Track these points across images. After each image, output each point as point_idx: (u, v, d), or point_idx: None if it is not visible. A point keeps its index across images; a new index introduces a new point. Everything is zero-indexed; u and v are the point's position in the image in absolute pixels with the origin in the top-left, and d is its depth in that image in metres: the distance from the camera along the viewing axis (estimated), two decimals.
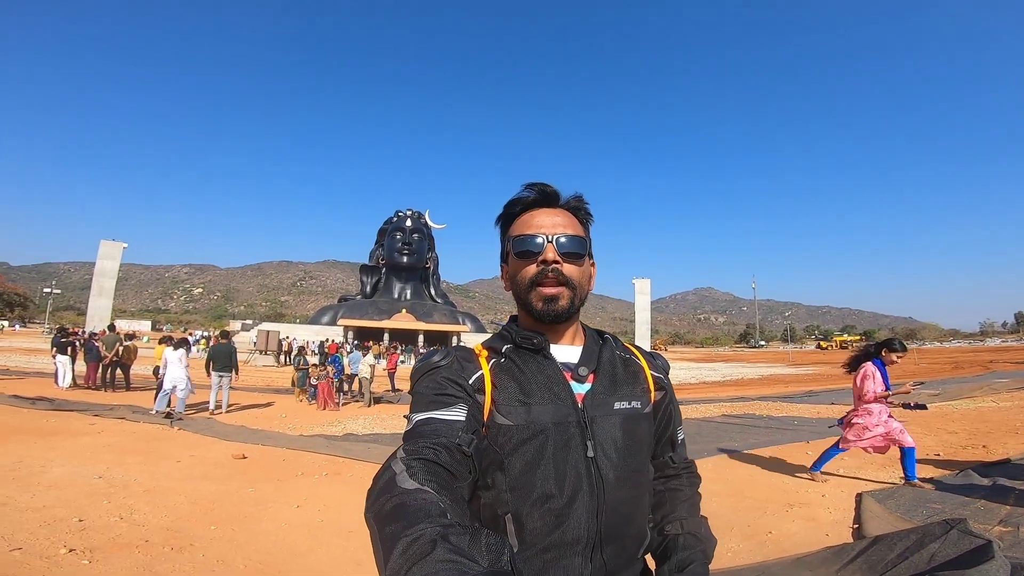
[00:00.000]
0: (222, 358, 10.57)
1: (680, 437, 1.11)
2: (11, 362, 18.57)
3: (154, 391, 10.31)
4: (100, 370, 13.21)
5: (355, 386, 13.43)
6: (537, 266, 0.98)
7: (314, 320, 52.33)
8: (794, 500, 5.01)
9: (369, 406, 12.45)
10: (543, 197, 1.04)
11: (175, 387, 9.60)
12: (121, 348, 13.34)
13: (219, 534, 3.70)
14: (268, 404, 12.38)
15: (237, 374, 11.04)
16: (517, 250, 1.01)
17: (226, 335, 12.28)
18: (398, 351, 20.44)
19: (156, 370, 10.75)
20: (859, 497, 5.01)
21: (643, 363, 1.08)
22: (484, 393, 0.94)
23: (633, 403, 0.99)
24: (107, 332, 13.98)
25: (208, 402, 10.40)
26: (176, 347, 9.93)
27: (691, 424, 10.26)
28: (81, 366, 13.59)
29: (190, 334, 51.22)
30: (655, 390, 1.06)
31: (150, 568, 3.02)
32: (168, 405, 9.48)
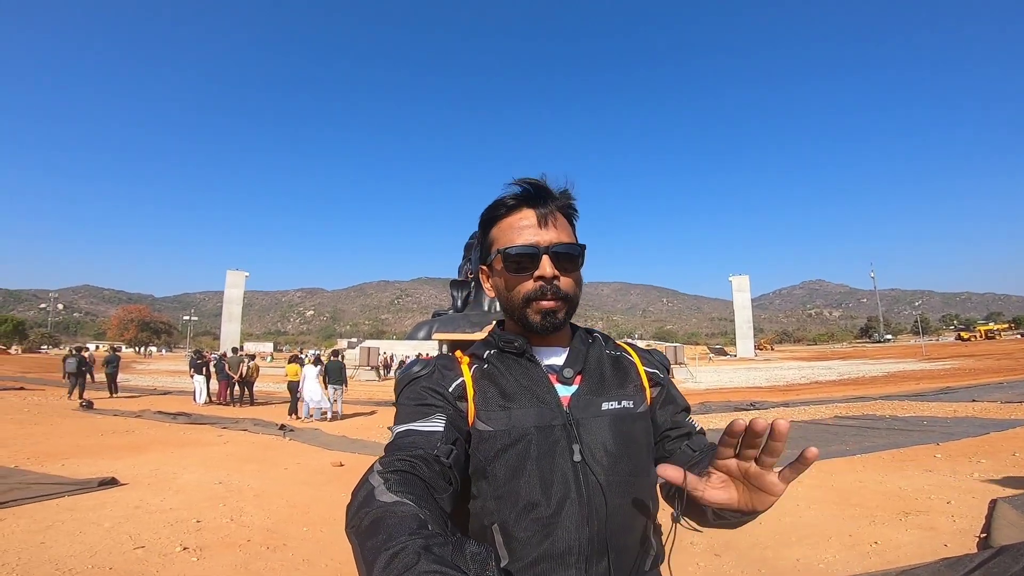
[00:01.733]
0: (335, 373, 12.25)
1: (695, 427, 1.03)
2: (158, 382, 21.33)
3: (284, 404, 12.63)
4: (229, 388, 14.83)
5: None
6: (534, 281, 0.93)
7: (411, 336, 54.84)
8: (911, 508, 4.52)
9: None
10: (530, 196, 0.97)
11: (312, 397, 11.71)
12: (245, 368, 14.87)
13: (310, 535, 4.02)
14: (372, 412, 13.61)
15: (347, 387, 12.73)
16: (509, 263, 0.94)
17: (336, 353, 13.64)
18: None
19: (292, 384, 12.64)
20: (993, 503, 4.42)
21: (636, 360, 1.03)
22: (466, 400, 0.91)
23: (624, 403, 0.94)
24: (230, 354, 15.61)
25: (325, 412, 12.04)
26: (315, 364, 12.18)
27: (795, 428, 9.50)
28: (214, 384, 15.30)
29: (298, 354, 55.78)
30: (650, 387, 1.01)
31: (246, 565, 3.36)
32: (308, 414, 11.75)
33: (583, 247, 0.97)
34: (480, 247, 1.05)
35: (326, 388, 12.24)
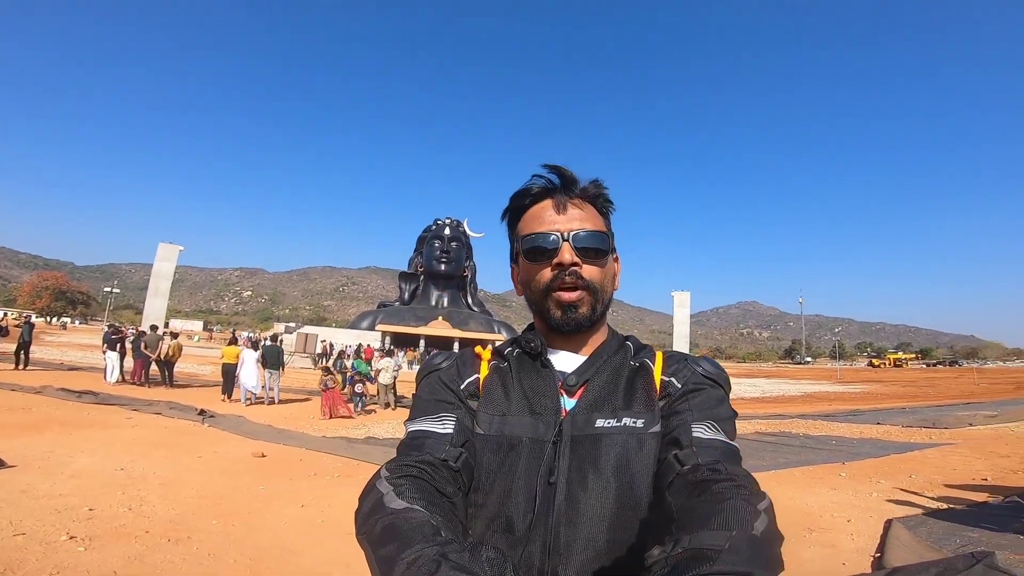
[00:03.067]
0: (272, 357, 12.31)
1: (694, 433, 0.78)
2: (68, 357, 19.71)
3: (206, 388, 12.77)
4: (145, 367, 13.88)
5: (371, 389, 13.62)
6: (552, 269, 0.85)
7: (354, 325, 53.54)
8: (815, 525, 4.75)
9: (392, 409, 12.65)
10: (556, 184, 0.90)
11: (248, 382, 11.95)
12: (165, 347, 13.96)
13: (218, 528, 3.77)
14: (305, 400, 13.55)
15: (283, 371, 12.98)
16: (527, 251, 0.88)
17: (275, 337, 13.73)
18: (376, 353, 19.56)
19: (228, 367, 12.65)
20: (888, 524, 4.72)
21: (656, 368, 0.88)
22: (478, 399, 0.87)
23: (627, 421, 0.81)
24: (149, 331, 14.65)
25: (262, 397, 12.34)
26: (254, 348, 12.42)
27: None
28: (130, 362, 14.27)
29: (237, 335, 53.28)
30: (660, 399, 0.85)
31: (142, 558, 3.11)
32: (246, 399, 11.94)
33: (610, 234, 0.90)
34: (509, 241, 0.96)
35: (261, 371, 12.31)
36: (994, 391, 25.26)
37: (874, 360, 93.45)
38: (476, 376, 0.90)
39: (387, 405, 13.00)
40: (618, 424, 0.81)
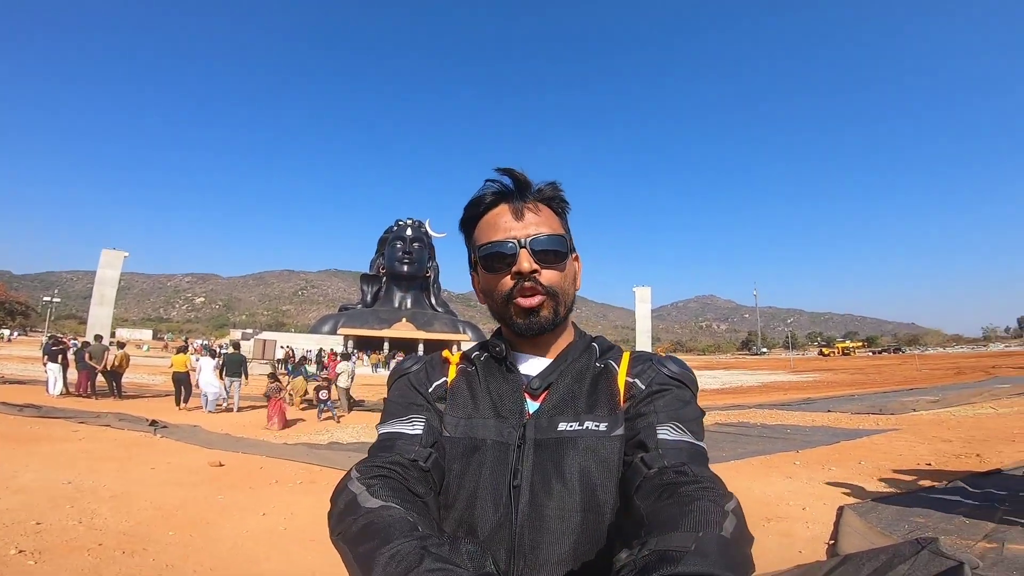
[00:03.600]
0: (234, 365, 12.28)
1: (658, 434, 0.77)
2: (7, 370, 18.57)
3: (157, 399, 12.49)
4: (91, 379, 13.22)
5: (333, 394, 13.37)
6: (512, 277, 0.84)
7: (315, 329, 52.32)
8: (772, 514, 4.86)
9: (348, 412, 12.51)
10: (510, 189, 0.88)
11: (210, 389, 11.81)
12: (111, 357, 13.33)
13: (176, 539, 3.67)
14: (264, 406, 12.67)
15: (247, 379, 12.86)
16: (485, 259, 0.86)
17: (237, 345, 14.06)
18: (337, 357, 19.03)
19: (179, 376, 12.47)
20: (840, 511, 4.86)
21: (621, 370, 0.87)
22: (445, 402, 0.88)
23: (589, 424, 0.81)
24: (93, 342, 13.97)
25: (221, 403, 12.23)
26: (212, 356, 12.54)
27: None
28: (73, 374, 13.57)
29: (190, 343, 51.58)
30: (625, 399, 0.84)
31: (96, 570, 3.00)
32: (209, 407, 11.76)
33: (566, 238, 0.89)
34: (467, 250, 0.95)
35: (222, 379, 12.21)
36: (935, 377, 26.60)
37: (824, 349, 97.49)
38: (444, 379, 0.90)
39: (349, 409, 12.79)
40: (580, 428, 0.81)
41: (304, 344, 41.54)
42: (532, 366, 0.89)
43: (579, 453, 0.79)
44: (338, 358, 17.54)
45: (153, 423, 8.90)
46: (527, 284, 0.83)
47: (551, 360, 0.89)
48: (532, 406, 0.85)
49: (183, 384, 12.44)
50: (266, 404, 13.37)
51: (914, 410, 13.00)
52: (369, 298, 54.22)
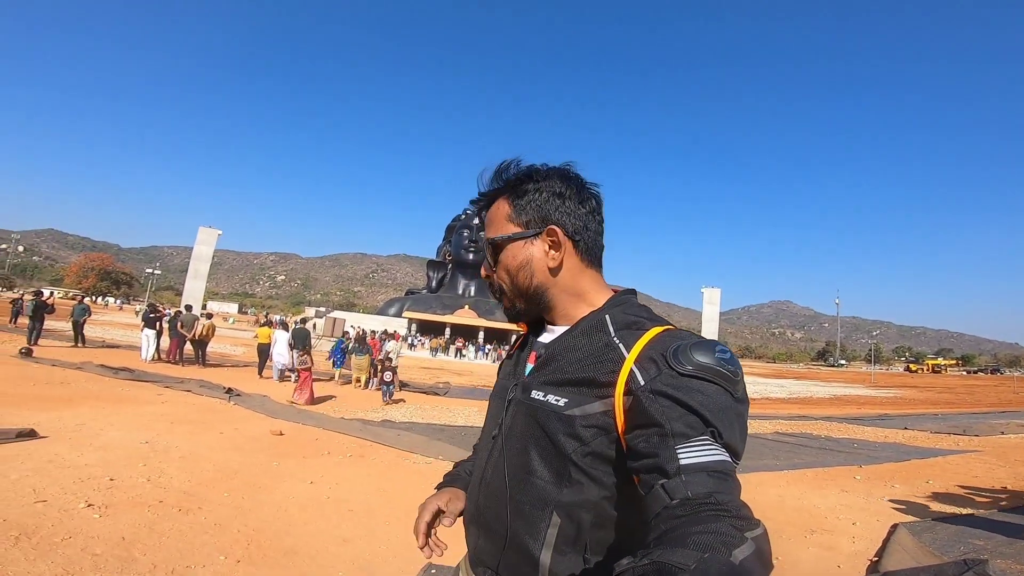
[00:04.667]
0: (301, 339, 13.09)
1: (680, 461, 0.68)
2: (109, 335, 20.63)
3: (237, 368, 14.22)
4: (180, 346, 14.45)
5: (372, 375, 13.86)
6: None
7: (381, 311, 54.41)
8: (818, 526, 4.70)
9: (399, 389, 12.81)
10: (478, 198, 1.00)
11: (280, 360, 12.98)
12: (200, 327, 14.49)
13: (228, 500, 3.98)
14: (329, 379, 14.27)
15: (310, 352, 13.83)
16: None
17: (304, 321, 15.02)
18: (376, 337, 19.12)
19: (262, 347, 14.02)
20: (894, 528, 4.64)
21: (630, 356, 0.79)
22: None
23: (551, 397, 0.83)
24: (185, 312, 15.22)
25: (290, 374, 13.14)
26: (284, 329, 13.65)
27: None
28: (165, 341, 14.87)
29: (269, 318, 54.93)
30: (623, 393, 0.77)
31: (151, 526, 3.31)
32: (278, 377, 12.97)
33: (494, 240, 0.92)
34: None
35: (290, 351, 13.11)
36: None
37: (911, 365, 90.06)
38: (510, 351, 1.06)
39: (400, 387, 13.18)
40: (542, 398, 0.84)
41: (371, 325, 43.37)
42: (552, 334, 0.94)
43: (532, 422, 0.85)
44: (378, 338, 18.30)
45: (228, 391, 9.62)
46: (494, 288, 0.97)
47: (564, 329, 0.92)
48: (529, 370, 0.92)
49: (264, 355, 13.94)
50: (333, 378, 14.26)
51: (1002, 432, 11.97)
52: (434, 284, 55.59)
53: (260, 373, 13.83)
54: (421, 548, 0.97)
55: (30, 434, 5.08)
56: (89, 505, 3.50)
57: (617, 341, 0.82)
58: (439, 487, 1.07)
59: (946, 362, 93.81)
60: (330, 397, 11.22)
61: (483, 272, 0.98)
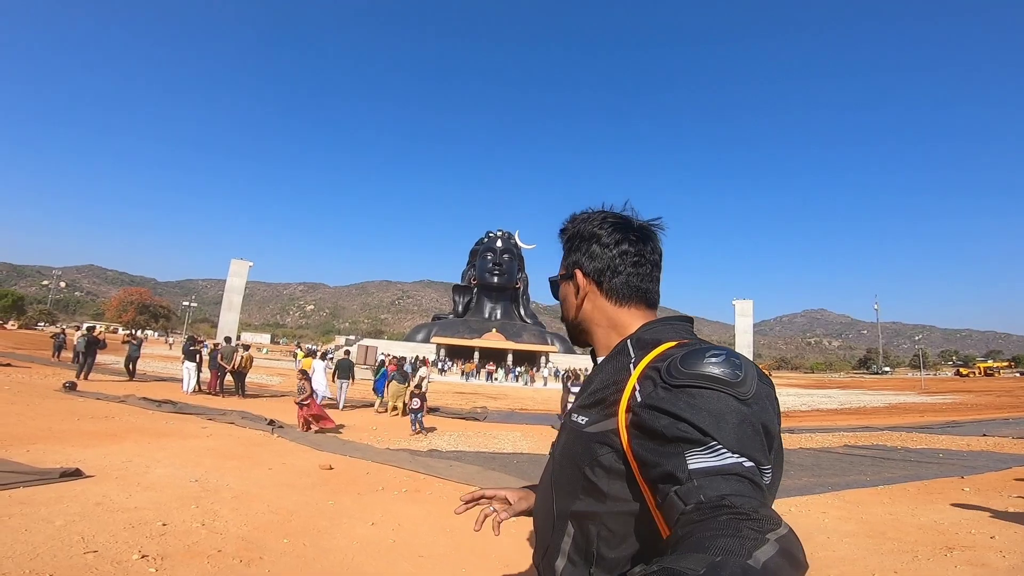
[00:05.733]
0: (344, 369, 13.96)
1: (696, 466, 0.67)
2: (150, 368, 20.85)
3: (275, 398, 14.73)
4: (220, 378, 14.42)
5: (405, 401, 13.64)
6: None
7: (409, 337, 54.58)
8: (953, 543, 4.25)
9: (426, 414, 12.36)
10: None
11: (319, 389, 12.79)
12: (238, 358, 14.46)
13: (290, 548, 3.60)
14: (369, 405, 14.50)
15: (353, 381, 14.65)
16: None
17: (347, 352, 15.92)
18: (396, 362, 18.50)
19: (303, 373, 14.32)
20: None
21: (634, 374, 0.83)
22: None
23: (578, 417, 0.90)
24: (223, 343, 15.23)
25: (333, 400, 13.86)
26: (322, 359, 14.14)
27: (806, 455, 9.27)
28: (206, 373, 14.87)
29: (301, 347, 55.97)
30: (624, 410, 0.80)
31: None
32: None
33: (554, 280, 1.10)
34: None
35: (333, 382, 13.75)
36: None
37: (962, 369, 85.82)
38: None
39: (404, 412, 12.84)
40: (575, 419, 0.90)
41: (400, 351, 43.41)
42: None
43: (568, 440, 0.91)
44: (406, 365, 18.17)
45: (271, 423, 9.39)
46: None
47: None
48: None
49: None
50: (371, 406, 13.98)
51: None
52: (460, 308, 55.59)
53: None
54: (460, 512, 1.18)
55: (75, 473, 4.78)
56: (143, 556, 3.15)
57: (631, 361, 0.86)
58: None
59: (999, 364, 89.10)
60: (341, 426, 10.50)
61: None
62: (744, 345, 62.05)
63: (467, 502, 1.15)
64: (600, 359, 0.98)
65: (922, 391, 39.93)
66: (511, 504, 1.12)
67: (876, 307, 74.33)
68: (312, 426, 9.63)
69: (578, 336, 1.05)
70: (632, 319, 0.97)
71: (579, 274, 1.01)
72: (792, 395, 33.78)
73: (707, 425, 0.69)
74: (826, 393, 37.50)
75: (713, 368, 0.73)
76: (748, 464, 0.67)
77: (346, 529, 4.13)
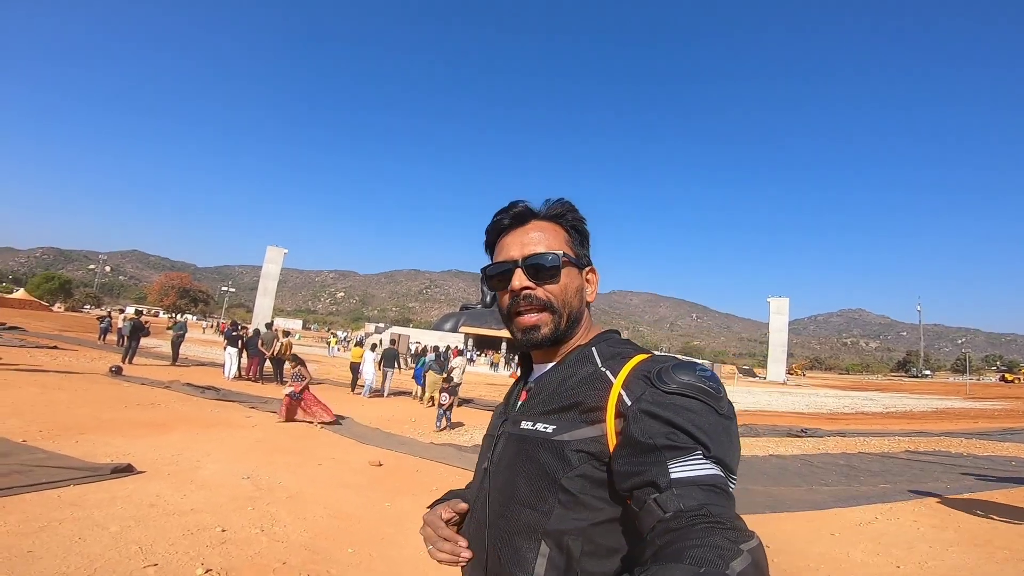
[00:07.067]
0: (390, 358, 14.45)
1: (671, 475, 0.68)
2: (191, 352, 21.21)
3: (323, 384, 15.11)
4: (259, 364, 14.47)
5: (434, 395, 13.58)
6: (510, 296, 0.93)
7: (437, 326, 54.73)
8: None
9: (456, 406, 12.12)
10: (514, 218, 0.98)
11: (367, 378, 13.90)
12: (278, 345, 14.49)
13: (356, 560, 3.34)
14: (408, 392, 15.05)
15: (399, 369, 15.27)
16: (488, 281, 0.97)
17: (393, 342, 15.78)
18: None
19: (354, 365, 15.07)
20: None
21: (617, 381, 0.81)
22: None
23: (540, 425, 0.84)
24: (263, 329, 15.29)
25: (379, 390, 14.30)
26: (371, 349, 14.44)
27: (870, 460, 8.90)
28: (245, 359, 14.92)
29: (332, 334, 56.85)
30: (614, 416, 0.78)
31: None
32: (367, 393, 13.74)
33: (560, 254, 0.93)
34: None
35: (379, 370, 14.17)
36: None
37: (1007, 375, 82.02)
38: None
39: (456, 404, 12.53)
40: (532, 427, 0.85)
41: (428, 340, 43.53)
42: (540, 371, 0.96)
43: (520, 451, 0.85)
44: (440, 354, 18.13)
45: (337, 418, 9.24)
46: (522, 301, 0.91)
47: (552, 364, 0.94)
48: (518, 405, 0.94)
49: (355, 373, 14.95)
50: (408, 393, 13.85)
51: None
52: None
53: (352, 390, 14.69)
54: (443, 557, 0.90)
55: (127, 469, 4.61)
56: (207, 571, 2.91)
57: (604, 370, 0.85)
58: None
59: None
60: (342, 417, 9.94)
61: (518, 282, 0.91)
62: (778, 343, 60.46)
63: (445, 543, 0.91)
64: (550, 364, 0.94)
65: (967, 396, 38.20)
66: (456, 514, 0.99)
67: (919, 308, 71.23)
68: (298, 413, 8.68)
69: (570, 329, 0.92)
70: (589, 323, 0.98)
71: (594, 274, 1.00)
72: (831, 396, 32.65)
73: (697, 435, 0.71)
74: (867, 396, 36.16)
75: (704, 382, 0.76)
76: (724, 475, 0.70)
77: (411, 535, 3.86)
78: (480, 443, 1.00)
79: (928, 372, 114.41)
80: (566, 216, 0.97)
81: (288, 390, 9.06)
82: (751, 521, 4.95)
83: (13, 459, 4.39)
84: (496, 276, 0.94)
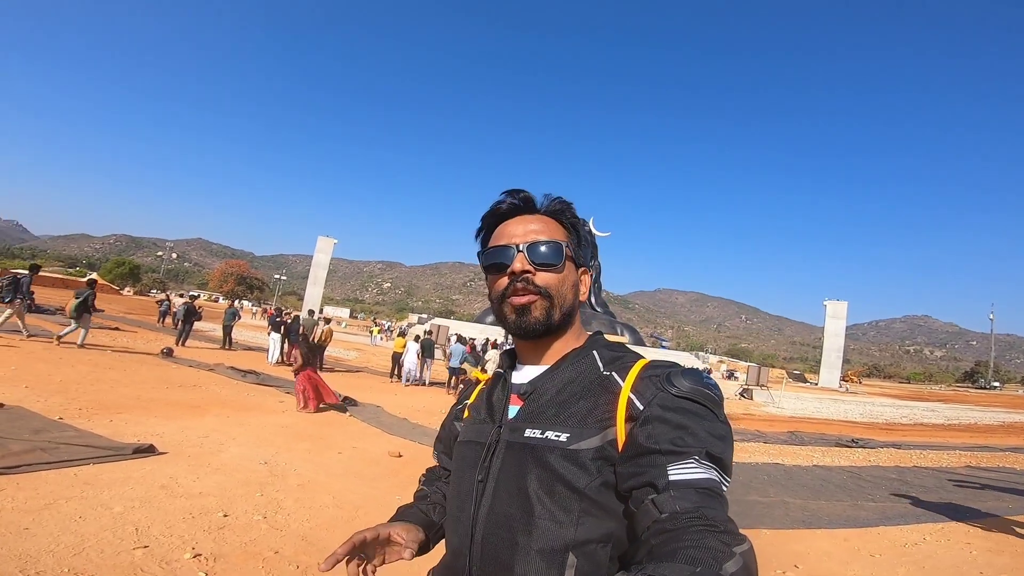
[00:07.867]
0: (428, 348, 15.24)
1: (676, 477, 0.71)
2: (241, 337, 22.07)
3: (350, 373, 15.71)
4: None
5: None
6: (508, 278, 0.91)
7: (479, 319, 54.99)
8: None
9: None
10: (517, 205, 0.98)
11: (409, 368, 14.86)
12: (319, 332, 14.82)
13: None
14: (442, 383, 15.44)
15: (433, 360, 15.95)
16: (487, 263, 0.96)
17: (429, 332, 16.74)
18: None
19: (396, 355, 15.69)
20: None
21: (625, 384, 0.82)
22: (461, 419, 1.05)
23: (550, 433, 0.82)
24: (305, 315, 15.70)
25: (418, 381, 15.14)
26: (415, 340, 15.26)
27: (924, 474, 8.39)
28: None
29: (376, 322, 58.23)
30: (625, 421, 0.79)
31: None
32: (406, 381, 14.79)
33: (564, 246, 0.93)
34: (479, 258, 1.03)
35: (419, 359, 14.98)
36: None
37: None
38: (467, 401, 1.07)
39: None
40: (541, 436, 0.82)
41: (469, 332, 43.85)
42: (529, 373, 0.94)
43: (530, 462, 0.82)
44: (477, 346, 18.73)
45: (345, 399, 9.45)
46: (519, 284, 0.90)
47: (546, 367, 0.92)
48: (513, 411, 0.90)
49: (395, 362, 15.63)
50: (443, 384, 13.98)
51: None
52: None
53: (391, 377, 15.55)
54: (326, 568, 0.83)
55: (148, 450, 4.72)
56: (196, 556, 2.91)
57: (609, 374, 0.85)
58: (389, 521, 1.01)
59: None
60: (347, 399, 10.05)
61: (520, 265, 0.90)
62: (834, 349, 57.73)
63: (338, 558, 0.84)
64: (538, 370, 0.93)
65: None
66: (403, 542, 0.95)
67: (991, 316, 66.59)
68: (310, 404, 8.34)
69: (563, 322, 0.92)
70: (579, 323, 0.98)
71: (587, 275, 1.01)
72: (888, 406, 30.86)
73: (699, 439, 0.73)
74: (928, 406, 33.97)
75: (710, 390, 0.79)
76: (720, 479, 0.72)
77: None
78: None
79: (997, 384, 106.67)
80: (565, 214, 0.98)
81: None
82: (777, 535, 4.53)
83: (43, 436, 4.56)
84: (494, 260, 0.93)
